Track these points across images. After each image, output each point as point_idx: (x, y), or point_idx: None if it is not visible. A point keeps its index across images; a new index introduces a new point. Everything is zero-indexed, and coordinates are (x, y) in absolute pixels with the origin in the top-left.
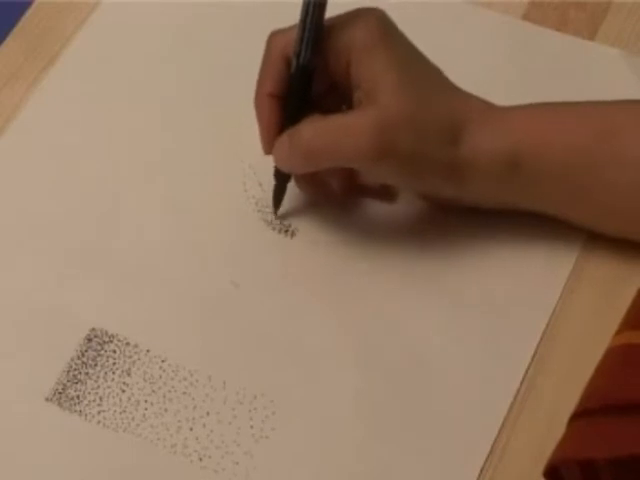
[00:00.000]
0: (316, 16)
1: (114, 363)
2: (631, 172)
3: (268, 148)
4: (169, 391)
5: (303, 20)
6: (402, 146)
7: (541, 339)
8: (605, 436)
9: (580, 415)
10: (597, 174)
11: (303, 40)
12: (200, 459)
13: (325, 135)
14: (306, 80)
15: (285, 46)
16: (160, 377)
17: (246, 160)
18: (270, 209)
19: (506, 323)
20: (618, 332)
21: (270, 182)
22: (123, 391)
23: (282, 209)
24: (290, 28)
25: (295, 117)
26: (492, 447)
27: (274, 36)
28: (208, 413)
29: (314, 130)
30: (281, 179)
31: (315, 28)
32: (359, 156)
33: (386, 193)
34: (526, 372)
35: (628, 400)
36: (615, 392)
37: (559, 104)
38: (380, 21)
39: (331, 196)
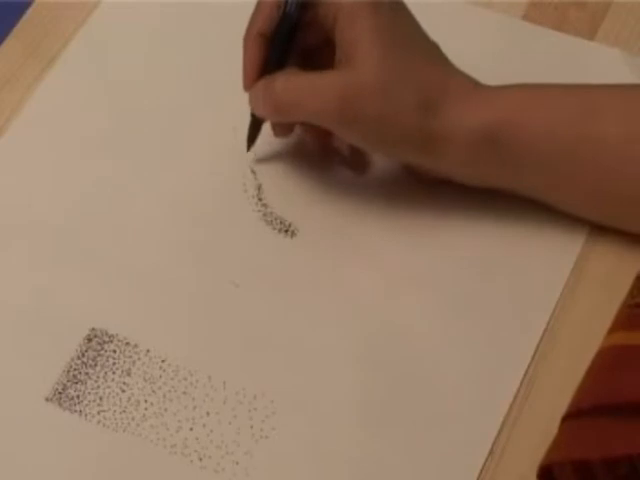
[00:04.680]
0: None
1: (114, 363)
2: (610, 154)
3: (247, 86)
4: (169, 391)
5: None
6: (369, 113)
7: (542, 338)
8: (597, 437)
9: (572, 416)
10: (576, 156)
11: None
12: (200, 459)
13: (294, 91)
14: (290, 29)
15: None
16: (160, 377)
17: (246, 160)
18: (270, 209)
19: (507, 322)
20: (609, 333)
21: (269, 182)
22: (123, 391)
23: (282, 207)
24: None
25: (277, 64)
26: (492, 447)
27: None
28: (208, 413)
29: (285, 84)
30: (257, 119)
31: None
32: (323, 117)
33: (356, 162)
34: (526, 371)
35: (620, 400)
36: (607, 393)
37: (542, 85)
38: None
39: (305, 149)
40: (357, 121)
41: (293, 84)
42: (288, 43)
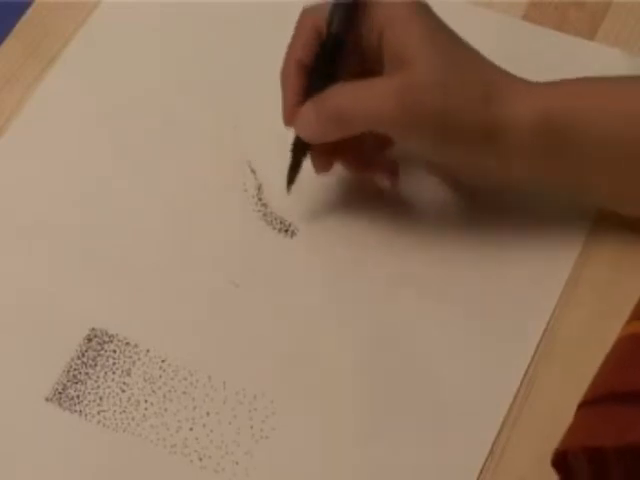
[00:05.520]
0: None
1: (114, 363)
2: None
3: (289, 117)
4: (169, 391)
5: None
6: (430, 110)
7: (542, 338)
8: (613, 424)
9: (589, 403)
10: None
11: (336, 9)
12: (200, 459)
13: (352, 98)
14: (335, 50)
15: (317, 19)
16: (160, 377)
17: (246, 160)
18: (270, 209)
19: (507, 322)
20: (628, 321)
21: (269, 182)
22: (123, 391)
23: (282, 207)
24: (322, 4)
25: (321, 87)
26: (492, 447)
27: (306, 11)
28: (208, 413)
29: (342, 94)
30: (298, 153)
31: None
32: (386, 118)
33: (389, 177)
34: (526, 371)
35: (637, 389)
36: (624, 380)
37: (604, 78)
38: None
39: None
40: (419, 119)
41: (349, 92)
42: (332, 66)
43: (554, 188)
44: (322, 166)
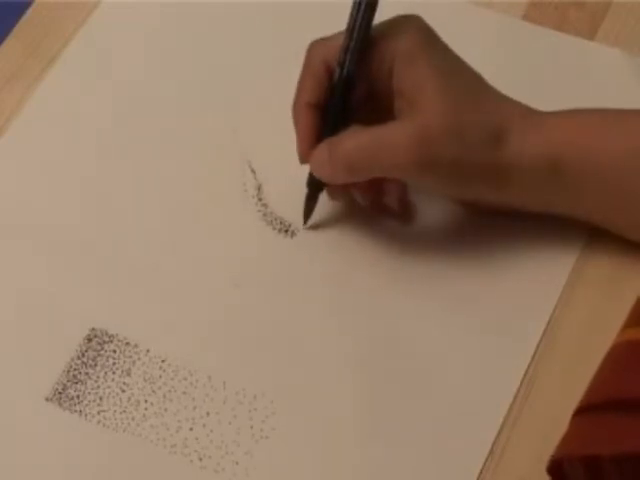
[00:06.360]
0: (363, 27)
1: (114, 363)
2: None
3: (304, 157)
4: (169, 391)
5: (350, 30)
6: (444, 155)
7: (542, 338)
8: (609, 432)
9: (584, 410)
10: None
11: (348, 50)
12: (200, 459)
13: (367, 148)
14: (348, 90)
15: (326, 55)
16: (160, 377)
17: (246, 160)
18: (270, 209)
19: (506, 323)
20: (624, 328)
21: (269, 182)
22: (123, 391)
23: (282, 207)
24: (331, 37)
25: (335, 127)
26: (492, 447)
27: (315, 45)
28: (208, 413)
29: (356, 142)
30: (314, 189)
31: (361, 39)
32: (400, 169)
33: (405, 214)
34: (526, 371)
35: (632, 396)
36: (619, 388)
37: (599, 110)
38: (422, 30)
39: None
40: (435, 165)
41: (364, 141)
42: (345, 105)
43: (559, 213)
44: (337, 198)
